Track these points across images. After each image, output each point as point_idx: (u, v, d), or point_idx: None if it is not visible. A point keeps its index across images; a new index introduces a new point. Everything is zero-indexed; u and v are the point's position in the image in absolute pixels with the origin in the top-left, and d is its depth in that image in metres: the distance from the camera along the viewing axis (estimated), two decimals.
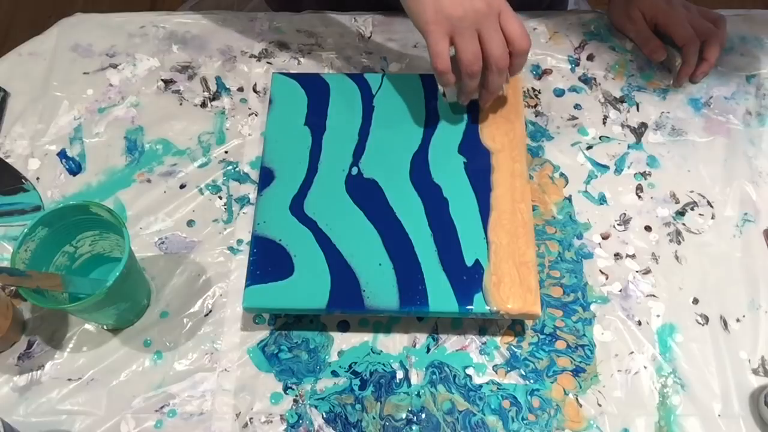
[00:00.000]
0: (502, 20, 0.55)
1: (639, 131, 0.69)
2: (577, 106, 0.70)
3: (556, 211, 0.65)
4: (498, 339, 0.59)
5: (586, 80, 0.72)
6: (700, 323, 0.59)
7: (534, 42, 0.74)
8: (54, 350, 0.59)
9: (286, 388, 0.57)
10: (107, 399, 0.57)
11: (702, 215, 0.64)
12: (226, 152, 0.68)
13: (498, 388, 0.57)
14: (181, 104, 0.71)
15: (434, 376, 0.57)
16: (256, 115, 0.70)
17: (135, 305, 0.59)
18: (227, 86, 0.72)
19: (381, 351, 0.58)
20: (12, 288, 0.60)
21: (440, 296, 0.55)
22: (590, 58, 0.74)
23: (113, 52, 0.74)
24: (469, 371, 0.57)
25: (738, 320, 0.59)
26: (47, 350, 0.59)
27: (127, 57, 0.74)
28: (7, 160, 0.67)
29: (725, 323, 0.59)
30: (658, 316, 0.60)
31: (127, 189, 0.66)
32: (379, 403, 0.56)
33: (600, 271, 0.62)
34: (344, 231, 0.58)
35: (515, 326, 0.59)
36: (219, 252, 0.63)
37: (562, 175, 0.66)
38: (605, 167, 0.67)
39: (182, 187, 0.66)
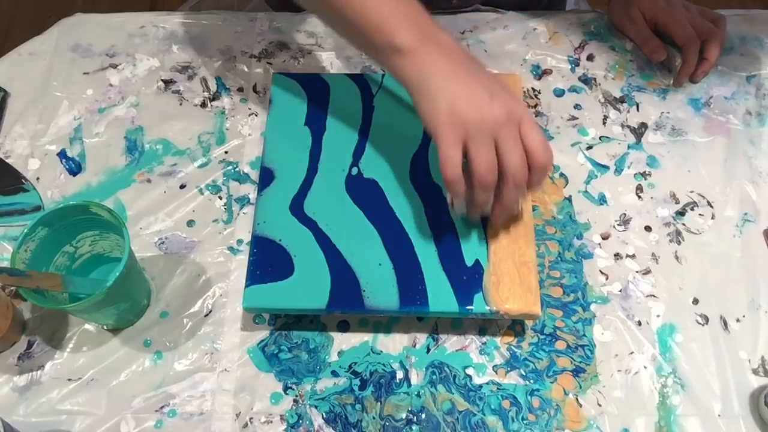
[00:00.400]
0: (522, 130, 0.50)
1: (639, 131, 0.69)
2: (577, 106, 0.70)
3: (556, 211, 0.65)
4: (498, 339, 0.59)
5: (586, 80, 0.72)
6: (700, 323, 0.59)
7: (534, 42, 0.74)
8: (54, 350, 0.59)
9: (286, 388, 0.57)
10: (107, 399, 0.57)
11: (702, 215, 0.64)
12: (226, 152, 0.68)
13: (498, 388, 0.57)
14: (181, 104, 0.71)
15: (434, 376, 0.57)
16: (256, 115, 0.70)
17: (135, 305, 0.59)
18: (227, 86, 0.72)
19: (381, 351, 0.58)
20: (12, 288, 0.60)
21: (440, 296, 0.55)
22: (590, 58, 0.74)
23: (113, 52, 0.74)
24: (469, 371, 0.58)
25: (738, 320, 0.59)
26: (47, 350, 0.59)
27: (127, 57, 0.74)
28: (7, 160, 0.67)
29: (725, 323, 0.59)
30: (658, 316, 0.60)
31: (127, 189, 0.66)
32: (379, 403, 0.56)
33: (600, 271, 0.62)
34: (344, 231, 0.58)
35: (515, 326, 0.59)
36: (219, 252, 0.63)
37: (562, 175, 0.66)
38: (605, 167, 0.67)
39: (182, 187, 0.66)
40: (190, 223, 0.64)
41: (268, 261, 0.57)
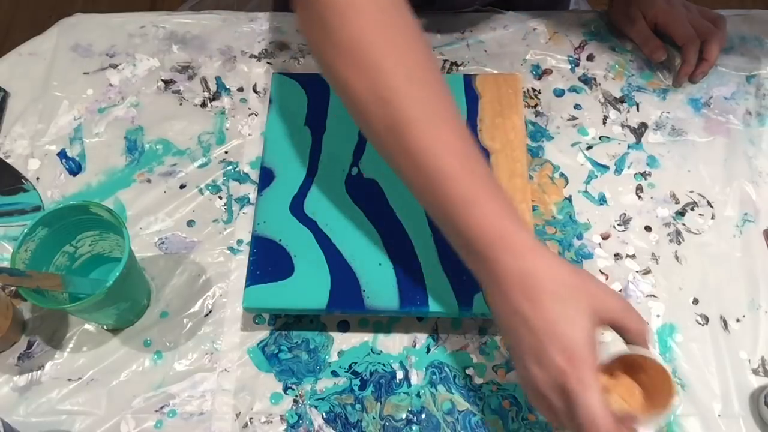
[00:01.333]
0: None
1: (639, 131, 0.69)
2: (577, 106, 0.70)
3: (556, 211, 0.64)
4: (498, 339, 0.59)
5: (586, 80, 0.72)
6: (700, 323, 0.59)
7: (534, 42, 0.74)
8: (54, 350, 0.59)
9: (286, 388, 0.57)
10: (107, 399, 0.57)
11: (702, 215, 0.64)
12: (226, 152, 0.68)
13: (498, 388, 0.57)
14: (181, 104, 0.71)
15: (434, 376, 0.57)
16: (256, 115, 0.70)
17: (135, 305, 0.59)
18: (227, 86, 0.72)
19: (381, 351, 0.58)
20: (12, 288, 0.60)
21: (440, 296, 0.55)
22: (590, 58, 0.73)
23: (113, 52, 0.74)
24: (469, 371, 0.57)
25: (738, 320, 0.59)
26: (47, 350, 0.59)
27: (127, 57, 0.74)
28: (7, 160, 0.67)
29: (725, 323, 0.59)
30: (658, 316, 0.60)
31: (127, 189, 0.66)
32: (379, 403, 0.56)
33: (600, 271, 0.62)
34: (344, 231, 0.58)
35: None
36: (219, 252, 0.63)
37: (562, 175, 0.66)
38: (605, 167, 0.67)
39: (182, 187, 0.66)
40: (190, 223, 0.64)
41: (268, 261, 0.57)
